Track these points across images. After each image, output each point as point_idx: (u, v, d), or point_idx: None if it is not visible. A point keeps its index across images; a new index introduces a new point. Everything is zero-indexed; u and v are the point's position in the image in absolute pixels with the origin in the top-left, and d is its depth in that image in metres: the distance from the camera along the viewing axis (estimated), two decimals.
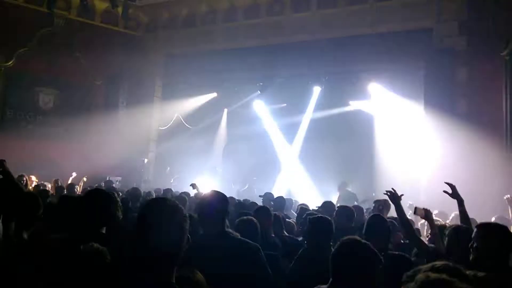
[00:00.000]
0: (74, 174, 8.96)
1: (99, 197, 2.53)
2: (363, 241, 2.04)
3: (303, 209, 4.94)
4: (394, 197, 3.21)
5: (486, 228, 2.37)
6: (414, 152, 8.67)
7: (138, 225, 1.49)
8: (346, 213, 4.23)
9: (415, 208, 3.26)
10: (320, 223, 3.02)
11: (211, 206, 2.37)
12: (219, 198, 2.42)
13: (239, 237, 2.39)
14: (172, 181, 10.70)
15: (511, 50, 7.49)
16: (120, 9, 12.00)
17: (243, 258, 2.21)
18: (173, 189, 7.64)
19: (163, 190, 7.05)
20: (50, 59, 11.19)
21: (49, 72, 11.41)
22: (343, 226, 3.87)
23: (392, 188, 3.28)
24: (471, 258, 2.27)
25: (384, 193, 3.35)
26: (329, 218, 3.19)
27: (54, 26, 11.11)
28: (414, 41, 9.05)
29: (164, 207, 1.50)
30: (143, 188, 8.39)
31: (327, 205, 5.13)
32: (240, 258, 2.19)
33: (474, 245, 2.28)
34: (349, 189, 8.67)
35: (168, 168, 11.63)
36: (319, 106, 11.26)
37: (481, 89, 8.00)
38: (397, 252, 3.11)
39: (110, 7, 11.53)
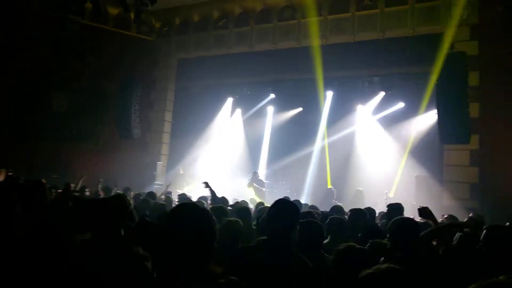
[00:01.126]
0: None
1: (118, 201, 2.65)
2: None
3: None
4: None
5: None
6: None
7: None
8: None
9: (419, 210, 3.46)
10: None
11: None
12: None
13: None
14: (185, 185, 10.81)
15: None
16: (132, 14, 12.19)
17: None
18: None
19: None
20: (63, 63, 11.38)
21: (62, 76, 11.59)
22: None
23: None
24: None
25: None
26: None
27: (68, 31, 11.25)
28: (424, 45, 9.14)
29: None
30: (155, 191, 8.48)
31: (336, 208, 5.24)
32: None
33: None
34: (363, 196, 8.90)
35: (181, 170, 11.74)
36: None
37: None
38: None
39: (123, 12, 11.71)
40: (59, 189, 7.15)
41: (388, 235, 2.85)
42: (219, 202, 5.05)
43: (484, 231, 2.50)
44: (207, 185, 5.54)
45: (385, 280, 1.37)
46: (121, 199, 2.69)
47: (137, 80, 11.84)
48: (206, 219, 1.69)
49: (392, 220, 2.91)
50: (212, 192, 5.53)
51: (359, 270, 1.64)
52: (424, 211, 3.45)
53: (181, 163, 11.97)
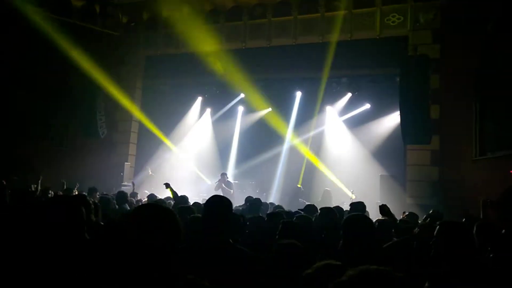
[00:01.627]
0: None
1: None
2: None
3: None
4: None
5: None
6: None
7: None
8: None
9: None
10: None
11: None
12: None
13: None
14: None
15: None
16: (97, 7, 11.79)
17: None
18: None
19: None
20: (26, 59, 10.83)
21: (23, 72, 11.01)
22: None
23: None
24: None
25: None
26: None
27: (30, 24, 10.70)
28: (390, 48, 9.41)
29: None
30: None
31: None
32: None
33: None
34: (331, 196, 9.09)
35: (150, 171, 11.50)
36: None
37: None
38: None
39: (88, 5, 11.31)
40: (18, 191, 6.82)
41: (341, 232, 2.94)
42: (179, 201, 5.07)
43: (438, 226, 2.60)
44: (167, 186, 5.62)
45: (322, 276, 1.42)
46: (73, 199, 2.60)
47: (103, 77, 11.47)
48: (170, 218, 1.71)
49: (345, 217, 3.04)
50: (174, 192, 5.62)
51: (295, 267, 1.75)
52: (383, 209, 3.65)
53: (149, 164, 11.73)
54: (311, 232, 3.56)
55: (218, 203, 2.38)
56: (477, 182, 7.32)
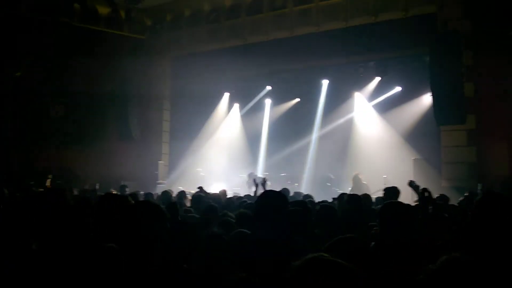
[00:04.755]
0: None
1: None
2: None
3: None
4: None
5: None
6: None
7: None
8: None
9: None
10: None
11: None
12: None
13: None
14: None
15: None
16: (123, 13, 12.16)
17: None
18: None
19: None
20: (56, 68, 11.35)
21: (55, 80, 11.53)
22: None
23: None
24: None
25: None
26: None
27: (58, 34, 11.15)
28: (418, 26, 9.03)
29: None
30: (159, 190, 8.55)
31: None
32: None
33: None
34: (362, 179, 8.89)
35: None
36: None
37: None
38: None
39: (114, 12, 11.68)
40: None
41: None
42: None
43: (479, 197, 2.53)
44: (201, 189, 5.78)
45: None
46: None
47: (133, 80, 11.86)
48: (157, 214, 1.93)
49: (383, 204, 2.95)
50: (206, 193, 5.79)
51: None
52: (411, 183, 3.74)
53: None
54: (336, 221, 3.54)
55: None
56: None
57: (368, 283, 1.23)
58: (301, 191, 7.15)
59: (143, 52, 12.43)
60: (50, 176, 8.42)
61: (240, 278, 1.70)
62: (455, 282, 1.18)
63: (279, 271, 2.00)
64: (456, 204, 4.92)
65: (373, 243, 2.53)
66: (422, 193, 3.58)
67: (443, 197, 4.88)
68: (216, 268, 2.13)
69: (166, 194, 6.04)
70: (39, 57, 11.03)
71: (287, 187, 6.85)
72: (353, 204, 4.34)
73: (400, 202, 3.32)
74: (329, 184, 9.19)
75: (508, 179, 6.77)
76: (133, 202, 3.20)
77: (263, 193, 2.58)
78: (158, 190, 9.50)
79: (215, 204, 4.47)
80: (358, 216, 4.04)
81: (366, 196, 5.38)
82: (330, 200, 5.38)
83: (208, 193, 6.22)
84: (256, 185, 5.39)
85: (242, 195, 6.72)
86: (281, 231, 2.28)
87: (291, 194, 6.17)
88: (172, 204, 4.33)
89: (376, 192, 7.30)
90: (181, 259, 2.09)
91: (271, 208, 2.33)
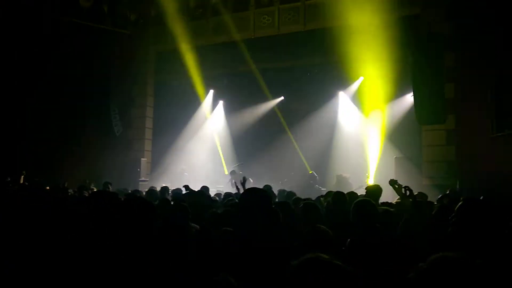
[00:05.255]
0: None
1: None
2: None
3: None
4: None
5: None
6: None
7: None
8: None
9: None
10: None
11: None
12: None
13: None
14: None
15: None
16: (106, 7, 11.88)
17: None
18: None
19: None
20: (40, 62, 11.04)
21: (38, 75, 11.23)
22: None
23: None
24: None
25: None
26: None
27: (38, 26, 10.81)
28: (401, 27, 9.15)
29: None
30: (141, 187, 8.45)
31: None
32: None
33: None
34: (348, 178, 9.02)
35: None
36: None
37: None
38: None
39: (96, 5, 11.39)
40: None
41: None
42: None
43: (460, 202, 2.53)
44: (187, 188, 5.72)
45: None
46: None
47: (116, 75, 11.63)
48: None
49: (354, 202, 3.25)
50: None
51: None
52: (392, 182, 4.05)
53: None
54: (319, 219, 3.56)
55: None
56: (495, 159, 7.13)
57: (363, 283, 1.23)
58: (285, 189, 7.15)
59: (126, 47, 12.20)
60: (24, 172, 8.16)
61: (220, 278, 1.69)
62: (446, 280, 1.18)
63: (264, 269, 1.99)
64: (434, 202, 5.01)
65: (348, 240, 2.55)
66: (405, 192, 3.69)
67: (421, 195, 4.98)
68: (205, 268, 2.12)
69: (152, 193, 6.04)
70: (18, 49, 10.67)
71: (272, 184, 6.86)
72: (338, 203, 4.36)
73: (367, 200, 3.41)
74: (312, 182, 9.26)
75: (486, 175, 6.95)
76: (122, 199, 3.18)
77: (244, 191, 2.57)
78: (141, 187, 9.38)
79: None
80: (343, 214, 4.06)
81: (352, 195, 5.41)
82: (313, 198, 5.40)
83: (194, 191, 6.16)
84: (237, 187, 5.42)
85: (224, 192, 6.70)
86: (263, 227, 2.27)
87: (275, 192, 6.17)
88: (164, 200, 4.38)
89: (357, 189, 7.38)
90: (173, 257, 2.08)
91: (253, 206, 2.32)
